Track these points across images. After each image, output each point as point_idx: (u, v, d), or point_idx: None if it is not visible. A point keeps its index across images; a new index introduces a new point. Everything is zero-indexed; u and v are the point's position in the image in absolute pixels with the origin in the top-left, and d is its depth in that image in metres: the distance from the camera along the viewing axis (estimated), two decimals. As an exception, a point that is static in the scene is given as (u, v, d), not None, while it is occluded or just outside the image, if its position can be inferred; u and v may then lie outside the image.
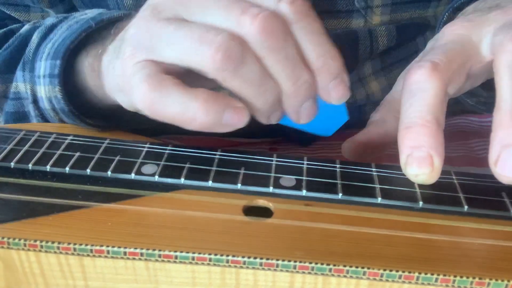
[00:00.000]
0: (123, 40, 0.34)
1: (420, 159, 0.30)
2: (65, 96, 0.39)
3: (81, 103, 0.40)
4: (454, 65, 0.32)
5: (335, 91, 0.32)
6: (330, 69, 0.31)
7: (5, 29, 0.49)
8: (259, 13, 0.29)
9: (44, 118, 0.43)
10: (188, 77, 0.32)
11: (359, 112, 0.54)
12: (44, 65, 0.40)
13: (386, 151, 0.36)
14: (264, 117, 0.33)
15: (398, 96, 0.37)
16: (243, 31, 0.30)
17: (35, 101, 0.42)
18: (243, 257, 0.27)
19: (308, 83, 0.31)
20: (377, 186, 0.33)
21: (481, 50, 0.33)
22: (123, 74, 0.32)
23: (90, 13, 0.41)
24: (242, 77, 0.30)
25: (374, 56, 0.51)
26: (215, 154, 0.35)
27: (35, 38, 0.43)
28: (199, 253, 0.28)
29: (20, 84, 0.43)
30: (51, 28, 0.43)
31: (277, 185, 0.33)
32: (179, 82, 0.31)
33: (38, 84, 0.41)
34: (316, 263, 0.27)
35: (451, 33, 0.34)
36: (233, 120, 0.30)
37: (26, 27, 0.46)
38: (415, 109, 0.31)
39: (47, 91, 0.40)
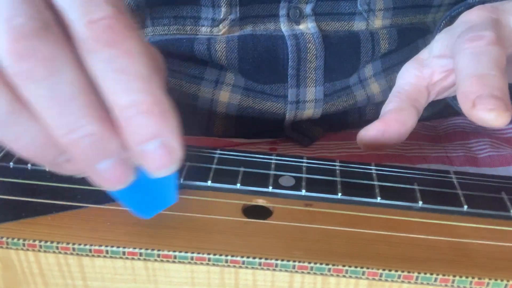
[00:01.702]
0: None
1: (494, 97, 0.28)
2: None
3: None
4: (504, 41, 0.31)
5: (150, 159, 0.23)
6: (141, 126, 0.22)
7: None
8: (19, 24, 0.21)
9: None
10: None
11: (359, 113, 0.54)
12: None
13: (401, 142, 0.35)
14: (48, 167, 0.25)
15: (409, 87, 0.37)
16: None
17: None
18: (242, 257, 0.27)
19: (95, 138, 0.22)
20: (377, 186, 0.33)
21: (510, 36, 0.33)
22: None
23: None
24: None
25: (375, 58, 0.51)
26: (214, 154, 0.35)
27: None
28: (198, 253, 0.28)
29: None
30: None
31: (276, 185, 0.33)
32: None
33: None
34: (315, 263, 0.27)
35: (478, 14, 0.34)
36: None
37: None
38: (485, 64, 0.29)
39: None
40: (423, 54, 0.39)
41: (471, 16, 0.36)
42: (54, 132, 0.22)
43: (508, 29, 0.34)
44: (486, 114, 0.28)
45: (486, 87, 0.29)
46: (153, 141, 0.23)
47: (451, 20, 0.43)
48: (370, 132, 0.35)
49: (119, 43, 0.22)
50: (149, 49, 0.24)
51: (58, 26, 0.22)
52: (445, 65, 0.38)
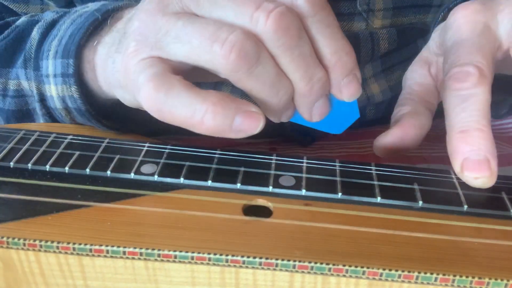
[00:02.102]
0: (125, 34, 0.32)
1: (479, 162, 0.30)
2: (82, 95, 0.37)
3: (93, 101, 0.39)
4: (491, 64, 0.32)
5: (347, 88, 0.31)
6: (344, 65, 0.30)
7: (1, 21, 0.47)
8: (273, 9, 0.28)
9: (52, 117, 0.42)
10: (197, 72, 0.30)
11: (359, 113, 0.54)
12: (53, 64, 0.38)
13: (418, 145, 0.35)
14: (277, 116, 0.32)
15: (419, 87, 0.37)
16: (258, 28, 0.28)
17: (42, 99, 0.41)
18: (242, 256, 0.27)
19: (322, 81, 0.30)
20: (377, 185, 0.33)
21: (500, 37, 0.33)
22: (125, 70, 0.31)
23: (92, 5, 0.39)
24: (256, 78, 0.29)
25: (375, 58, 0.51)
26: (214, 154, 0.35)
27: (35, 34, 0.41)
28: (199, 253, 0.28)
29: (23, 82, 0.42)
30: (53, 24, 0.41)
31: (276, 184, 0.33)
32: (187, 84, 0.29)
33: (47, 83, 0.39)
34: (316, 263, 0.27)
35: (466, 20, 0.34)
36: (245, 125, 0.29)
37: (23, 19, 0.44)
38: (470, 113, 0.30)
39: (59, 91, 0.38)
40: (424, 52, 0.39)
41: (459, 22, 0.34)
42: (300, 83, 0.30)
43: (497, 32, 0.34)
44: (473, 181, 0.31)
45: (471, 147, 0.30)
46: (351, 74, 0.31)
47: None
48: (388, 139, 0.35)
49: (325, 7, 0.30)
50: None
51: (289, 5, 0.30)
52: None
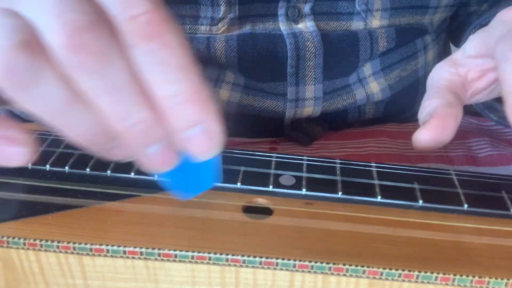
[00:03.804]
0: None
1: None
2: None
3: None
4: None
5: (193, 144, 0.24)
6: (183, 114, 0.24)
7: None
8: (74, 20, 0.22)
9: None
10: None
11: (359, 112, 0.54)
12: None
13: (448, 148, 0.35)
14: (98, 153, 0.26)
15: (447, 82, 0.36)
16: (50, 39, 0.23)
17: None
18: (242, 256, 0.27)
19: (146, 124, 0.24)
20: (377, 185, 0.33)
21: None
22: None
23: None
24: (35, 101, 0.23)
25: (374, 57, 0.52)
26: (214, 153, 0.35)
27: None
28: (199, 252, 0.28)
29: None
30: None
31: (276, 184, 0.33)
32: None
33: None
34: (316, 262, 0.27)
35: None
36: (2, 152, 0.24)
37: None
38: None
39: None
40: (457, 55, 0.38)
41: (510, 15, 0.35)
42: (107, 120, 0.24)
43: None
44: None
45: None
46: (196, 127, 0.24)
47: (481, 28, 0.43)
48: (429, 132, 0.33)
49: (159, 37, 0.23)
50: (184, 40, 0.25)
51: (104, 21, 0.23)
52: (481, 65, 0.37)
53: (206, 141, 0.24)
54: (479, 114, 0.46)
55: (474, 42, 0.37)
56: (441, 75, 0.37)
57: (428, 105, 0.35)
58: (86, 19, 0.22)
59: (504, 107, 0.31)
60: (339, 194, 0.32)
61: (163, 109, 0.24)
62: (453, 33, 0.61)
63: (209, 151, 0.25)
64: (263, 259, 0.27)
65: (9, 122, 0.24)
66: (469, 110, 0.46)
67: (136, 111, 0.23)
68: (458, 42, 0.62)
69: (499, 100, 0.40)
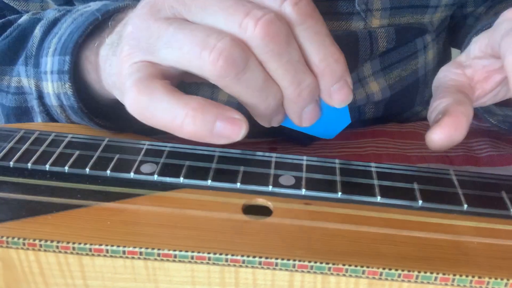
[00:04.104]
0: (121, 37, 0.33)
1: None
2: (75, 92, 0.38)
3: (87, 100, 0.40)
4: None
5: (337, 94, 0.31)
6: (333, 72, 0.31)
7: (3, 19, 0.47)
8: (262, 16, 0.29)
9: (49, 115, 0.42)
10: (190, 75, 0.31)
11: (358, 112, 0.54)
12: (51, 61, 0.39)
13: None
14: (266, 121, 0.33)
15: (454, 82, 0.37)
16: (246, 35, 0.29)
17: (40, 97, 0.41)
18: (242, 256, 0.27)
19: (311, 87, 0.31)
20: (376, 185, 0.33)
21: None
22: (119, 72, 0.32)
23: (94, 5, 0.40)
24: (244, 84, 0.30)
25: (374, 57, 0.51)
26: (214, 153, 0.35)
27: (37, 32, 0.42)
28: (198, 252, 0.27)
29: (23, 79, 0.42)
30: (55, 22, 0.42)
31: (276, 184, 0.33)
32: (171, 89, 0.30)
33: (45, 80, 0.40)
34: (315, 262, 0.27)
35: None
36: (226, 131, 0.29)
37: (25, 17, 0.45)
38: None
39: (55, 88, 0.39)
40: (461, 57, 0.38)
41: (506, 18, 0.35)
42: (288, 89, 0.31)
43: None
44: None
45: None
46: (341, 80, 0.31)
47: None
48: (442, 131, 0.33)
49: (314, 14, 0.31)
50: None
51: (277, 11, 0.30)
52: (487, 66, 0.37)
53: (348, 90, 0.32)
54: (479, 115, 0.46)
55: (479, 43, 0.37)
56: (448, 77, 0.37)
57: (439, 104, 0.35)
58: (270, 13, 0.29)
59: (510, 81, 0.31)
60: (339, 194, 0.32)
61: (321, 69, 0.31)
62: (448, 33, 0.61)
63: (347, 99, 0.32)
64: (263, 259, 0.27)
65: (226, 107, 0.30)
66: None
67: (306, 78, 0.30)
68: (452, 42, 0.62)
69: (497, 104, 0.40)
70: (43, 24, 0.42)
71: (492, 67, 0.36)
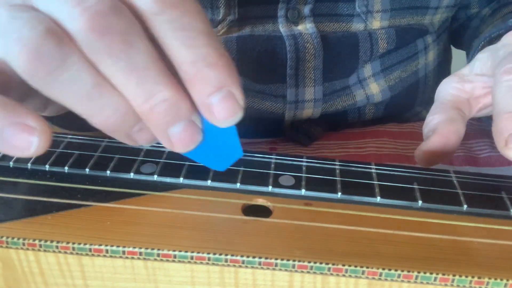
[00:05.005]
0: None
1: None
2: None
3: None
4: None
5: (217, 109, 0.24)
6: (207, 79, 0.24)
7: None
8: (93, 4, 0.23)
9: None
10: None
11: (358, 113, 0.54)
12: None
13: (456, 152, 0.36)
14: (121, 138, 0.26)
15: (452, 97, 0.37)
16: (70, 27, 0.23)
17: None
18: (242, 256, 0.27)
19: (171, 102, 0.24)
20: (376, 185, 0.33)
21: None
22: None
23: None
24: (61, 87, 0.23)
25: (374, 58, 0.52)
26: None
27: None
28: (198, 252, 0.27)
29: None
30: None
31: (276, 184, 0.33)
32: None
33: None
34: (315, 262, 0.27)
35: None
36: (16, 141, 0.24)
37: None
38: None
39: None
40: (464, 70, 0.39)
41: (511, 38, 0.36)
42: (133, 101, 0.24)
43: None
44: None
45: None
46: (220, 91, 0.24)
47: (490, 41, 0.44)
48: (430, 147, 0.34)
49: (179, 4, 0.24)
50: None
51: (124, 2, 0.24)
52: (487, 82, 0.38)
53: (230, 105, 0.24)
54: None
55: (482, 62, 0.38)
56: (447, 90, 0.38)
57: (431, 121, 0.36)
58: (106, 2, 0.23)
59: (492, 127, 0.32)
60: (339, 195, 0.32)
61: (189, 76, 0.24)
62: (453, 34, 0.61)
63: (233, 116, 0.24)
64: (262, 260, 0.27)
65: (24, 109, 0.24)
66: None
67: (159, 90, 0.23)
68: (457, 44, 0.62)
69: None
70: None
71: (492, 84, 0.37)
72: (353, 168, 0.34)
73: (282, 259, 0.27)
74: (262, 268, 0.27)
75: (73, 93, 0.24)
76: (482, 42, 0.45)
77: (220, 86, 0.24)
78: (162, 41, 0.24)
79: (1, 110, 0.23)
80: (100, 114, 0.24)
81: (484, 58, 0.38)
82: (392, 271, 0.27)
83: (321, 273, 0.27)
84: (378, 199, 0.32)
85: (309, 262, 0.27)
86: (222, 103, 0.24)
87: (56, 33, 0.23)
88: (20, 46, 0.23)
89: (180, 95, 0.24)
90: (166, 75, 0.24)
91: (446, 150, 0.34)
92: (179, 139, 0.25)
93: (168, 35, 0.24)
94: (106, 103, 0.24)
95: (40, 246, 0.28)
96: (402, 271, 0.27)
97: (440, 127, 0.35)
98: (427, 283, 0.27)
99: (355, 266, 0.27)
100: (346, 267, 0.27)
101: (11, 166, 0.33)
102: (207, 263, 0.28)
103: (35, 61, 0.23)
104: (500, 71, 0.33)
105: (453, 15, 0.57)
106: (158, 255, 0.28)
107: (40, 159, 0.34)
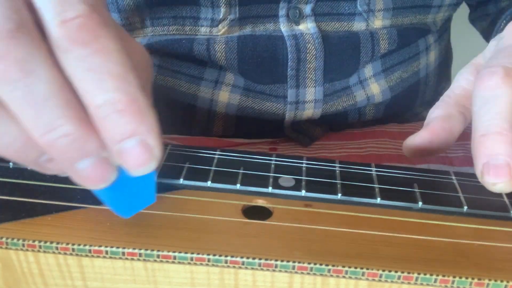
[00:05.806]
0: None
1: (498, 167, 0.28)
2: None
3: None
4: None
5: (127, 157, 0.23)
6: (117, 125, 0.22)
7: None
8: None
9: None
10: None
11: (359, 113, 0.54)
12: None
13: (448, 149, 0.34)
14: (31, 166, 0.25)
15: (460, 91, 0.35)
16: None
17: None
18: (241, 257, 0.27)
19: (73, 137, 0.22)
20: (376, 186, 0.33)
21: None
22: None
23: None
24: None
25: (375, 58, 0.51)
26: (214, 154, 0.35)
27: None
28: (198, 254, 0.27)
29: None
30: None
31: (276, 185, 0.32)
32: None
33: None
34: (315, 264, 0.27)
35: None
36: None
37: None
38: (490, 116, 0.29)
39: None
40: (478, 59, 0.38)
41: (508, 32, 0.34)
42: (31, 133, 0.22)
43: None
44: (491, 187, 0.29)
45: (490, 152, 0.29)
46: (131, 139, 0.22)
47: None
48: (416, 141, 0.34)
49: (91, 42, 0.22)
50: (131, 45, 0.24)
51: (35, 26, 0.22)
52: None
53: (142, 154, 0.23)
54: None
55: (491, 50, 0.36)
56: (459, 82, 0.36)
57: (430, 114, 0.35)
58: (8, 25, 0.21)
59: (472, 153, 0.30)
60: (339, 196, 0.32)
61: (96, 119, 0.22)
62: (485, 31, 0.59)
63: (145, 166, 0.23)
64: (262, 261, 0.27)
65: None
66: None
67: (60, 124, 0.22)
68: (489, 39, 0.61)
69: None
70: None
71: None
72: (353, 169, 0.34)
73: (282, 260, 0.27)
74: (262, 269, 0.27)
75: None
76: (504, 20, 0.43)
77: (131, 134, 0.22)
78: (70, 78, 0.22)
79: None
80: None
81: (491, 47, 0.36)
82: (392, 273, 0.27)
83: (321, 275, 0.27)
84: (378, 200, 0.32)
85: (309, 263, 0.27)
86: (132, 151, 0.22)
87: None
88: None
89: (87, 130, 0.22)
90: (72, 107, 0.22)
91: (431, 148, 0.33)
92: (86, 176, 0.23)
93: (76, 73, 0.22)
94: (3, 132, 0.23)
95: (40, 247, 0.28)
96: (402, 272, 0.27)
97: (433, 123, 0.34)
98: (427, 284, 0.27)
99: (355, 268, 0.27)
100: (346, 268, 0.27)
101: (10, 167, 0.33)
102: (207, 264, 0.28)
103: None
104: (479, 74, 0.31)
105: (484, 11, 0.56)
106: (158, 256, 0.28)
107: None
